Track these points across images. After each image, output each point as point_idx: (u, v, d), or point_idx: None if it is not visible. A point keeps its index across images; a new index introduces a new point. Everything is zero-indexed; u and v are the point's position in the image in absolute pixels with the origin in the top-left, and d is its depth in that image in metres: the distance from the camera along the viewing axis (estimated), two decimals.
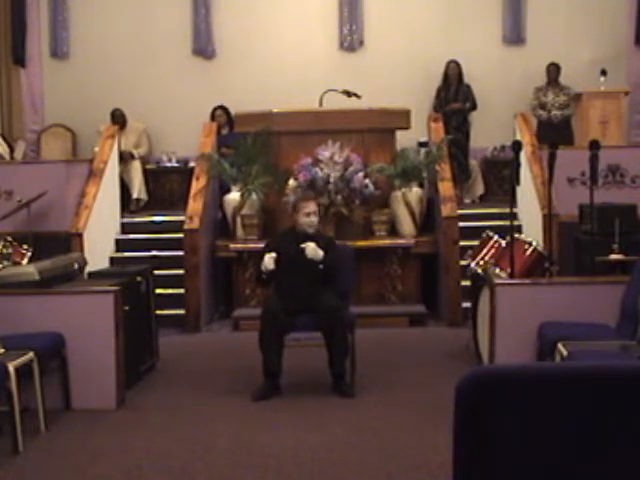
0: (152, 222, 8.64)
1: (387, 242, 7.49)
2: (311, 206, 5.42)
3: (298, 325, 5.23)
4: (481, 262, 5.91)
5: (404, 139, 8.22)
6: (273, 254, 5.26)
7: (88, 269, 6.17)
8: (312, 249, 5.24)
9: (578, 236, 6.53)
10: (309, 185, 7.27)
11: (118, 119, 9.43)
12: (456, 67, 9.41)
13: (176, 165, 9.78)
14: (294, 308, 5.19)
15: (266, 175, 7.54)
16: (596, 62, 9.18)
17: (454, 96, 9.36)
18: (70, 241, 7.51)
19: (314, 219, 5.40)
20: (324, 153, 7.32)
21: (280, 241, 5.53)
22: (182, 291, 7.42)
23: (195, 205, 7.74)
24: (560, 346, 4.28)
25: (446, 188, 7.69)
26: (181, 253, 7.53)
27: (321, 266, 5.26)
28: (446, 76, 9.44)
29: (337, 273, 5.38)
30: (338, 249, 5.54)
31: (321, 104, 7.90)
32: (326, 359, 5.22)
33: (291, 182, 7.41)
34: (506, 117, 9.07)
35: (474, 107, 9.40)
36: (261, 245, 7.09)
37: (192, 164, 8.89)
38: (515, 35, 9.92)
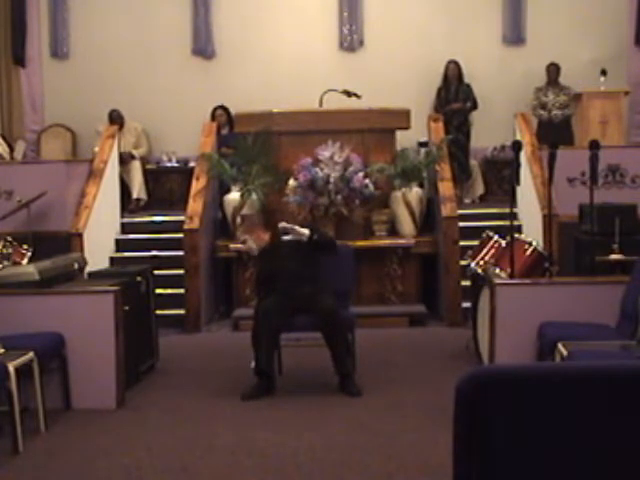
0: (152, 222, 8.64)
1: (387, 242, 7.49)
2: (244, 234, 5.61)
3: (296, 325, 5.23)
4: (481, 262, 5.91)
5: (404, 139, 8.22)
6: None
7: (88, 269, 6.17)
8: (285, 224, 5.37)
9: (578, 236, 6.53)
10: (309, 185, 7.27)
11: (116, 120, 9.42)
12: (455, 67, 9.41)
13: (176, 165, 9.79)
14: (291, 308, 5.19)
15: (266, 175, 7.53)
16: (596, 62, 9.18)
17: (454, 96, 9.37)
18: (70, 241, 7.51)
19: (250, 245, 5.51)
20: (324, 153, 7.32)
21: (271, 249, 5.51)
22: (182, 291, 7.42)
23: (195, 205, 7.74)
24: (560, 346, 4.27)
25: (446, 188, 7.68)
26: (181, 253, 7.53)
27: (315, 236, 5.33)
28: (446, 76, 9.45)
29: (333, 241, 5.50)
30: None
31: (321, 104, 7.90)
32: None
33: (291, 182, 7.41)
34: (506, 117, 9.07)
35: (475, 106, 9.41)
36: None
37: (192, 164, 8.89)
38: (515, 35, 9.92)
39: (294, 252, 5.35)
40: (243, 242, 5.51)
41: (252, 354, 5.20)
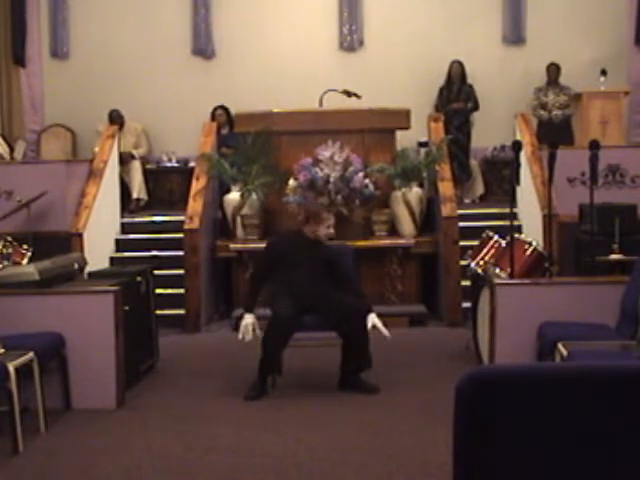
0: (152, 222, 8.64)
1: (387, 242, 7.49)
2: (332, 219, 5.44)
3: (310, 325, 5.17)
4: (481, 262, 5.91)
5: (404, 139, 8.22)
6: (252, 319, 5.20)
7: (88, 269, 6.17)
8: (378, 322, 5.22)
9: (578, 236, 6.53)
10: (309, 185, 7.27)
11: (116, 120, 9.42)
12: (459, 67, 9.41)
13: (176, 165, 9.78)
14: (303, 306, 5.14)
15: (266, 175, 7.54)
16: (596, 62, 9.18)
17: (456, 96, 9.36)
18: (70, 241, 7.51)
19: (333, 231, 5.43)
20: (324, 153, 7.32)
21: (285, 243, 5.47)
22: (182, 291, 7.42)
23: (195, 205, 7.74)
24: (560, 346, 4.28)
25: (446, 188, 7.69)
26: (181, 253, 7.53)
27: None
28: (449, 76, 9.44)
29: (353, 277, 5.49)
30: (339, 254, 5.56)
31: (321, 104, 7.90)
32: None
33: (291, 182, 7.41)
34: (506, 117, 9.07)
35: (476, 107, 9.40)
36: (261, 245, 7.12)
37: (192, 164, 8.89)
38: (515, 35, 9.92)
39: (310, 252, 5.30)
40: (332, 225, 5.38)
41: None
